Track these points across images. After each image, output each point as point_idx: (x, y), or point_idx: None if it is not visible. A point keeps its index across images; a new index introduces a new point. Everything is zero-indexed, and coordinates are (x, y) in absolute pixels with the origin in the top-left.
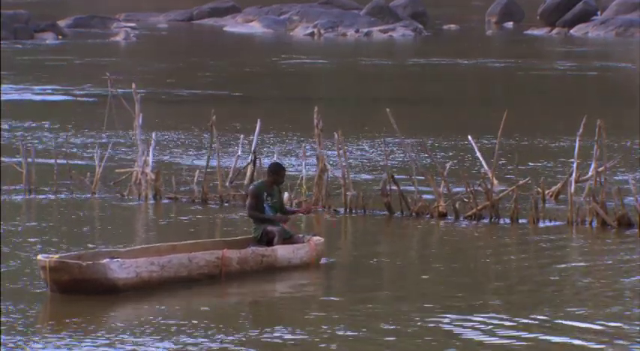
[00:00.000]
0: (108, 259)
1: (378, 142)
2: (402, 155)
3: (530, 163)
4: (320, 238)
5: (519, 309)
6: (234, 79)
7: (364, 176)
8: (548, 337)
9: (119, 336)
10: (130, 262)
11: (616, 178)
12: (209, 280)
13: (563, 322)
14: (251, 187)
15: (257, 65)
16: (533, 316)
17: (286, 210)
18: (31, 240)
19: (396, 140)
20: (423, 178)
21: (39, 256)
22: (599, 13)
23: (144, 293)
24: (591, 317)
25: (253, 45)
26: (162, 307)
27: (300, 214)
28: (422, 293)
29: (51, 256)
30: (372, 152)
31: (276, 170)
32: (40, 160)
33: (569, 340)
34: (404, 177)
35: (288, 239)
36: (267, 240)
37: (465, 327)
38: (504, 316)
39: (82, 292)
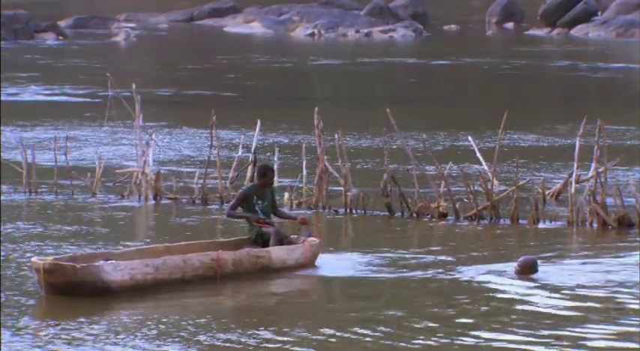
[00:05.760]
0: (102, 262)
1: (378, 142)
2: (402, 155)
3: (530, 163)
4: (315, 239)
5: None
6: (235, 79)
7: (363, 176)
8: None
9: (113, 337)
10: (124, 264)
11: (616, 178)
12: (204, 281)
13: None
14: (240, 189)
15: (257, 65)
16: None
17: (281, 213)
18: (31, 240)
19: (396, 140)
20: (423, 178)
21: (33, 258)
22: (599, 13)
23: (138, 295)
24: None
25: (253, 45)
26: (157, 309)
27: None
28: (422, 294)
29: (45, 258)
30: (372, 152)
31: (264, 172)
32: (40, 161)
33: (574, 341)
34: (404, 177)
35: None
36: (262, 241)
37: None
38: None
39: (76, 294)
